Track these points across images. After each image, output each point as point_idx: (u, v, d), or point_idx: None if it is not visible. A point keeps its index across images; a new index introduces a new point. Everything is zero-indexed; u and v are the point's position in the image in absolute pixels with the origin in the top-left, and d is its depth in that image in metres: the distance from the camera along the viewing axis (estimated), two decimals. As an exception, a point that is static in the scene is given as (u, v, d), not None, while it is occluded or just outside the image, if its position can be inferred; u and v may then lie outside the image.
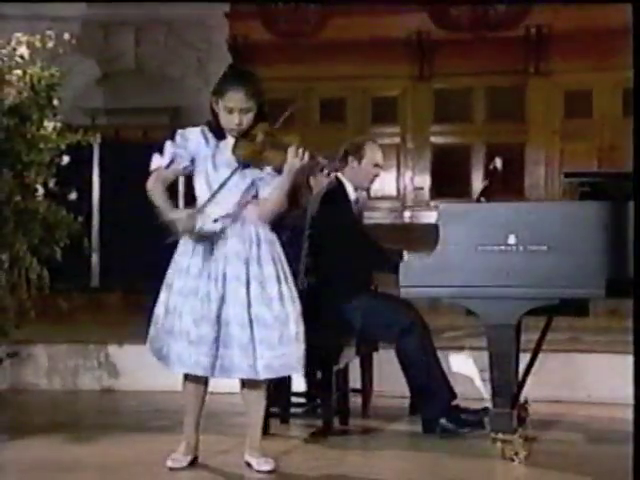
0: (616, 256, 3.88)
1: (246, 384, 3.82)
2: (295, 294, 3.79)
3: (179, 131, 3.83)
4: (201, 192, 3.80)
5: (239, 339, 3.66)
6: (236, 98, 3.70)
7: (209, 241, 3.74)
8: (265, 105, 3.79)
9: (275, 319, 3.69)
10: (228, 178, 3.72)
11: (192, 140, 3.79)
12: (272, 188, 3.76)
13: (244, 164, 3.75)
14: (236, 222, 3.76)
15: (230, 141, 3.77)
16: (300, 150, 3.69)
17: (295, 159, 3.69)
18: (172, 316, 3.72)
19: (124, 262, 9.35)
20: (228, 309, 3.68)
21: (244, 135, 3.75)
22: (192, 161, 3.79)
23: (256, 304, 3.69)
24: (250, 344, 3.66)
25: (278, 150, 3.72)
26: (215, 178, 3.75)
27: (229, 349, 3.67)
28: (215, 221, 3.74)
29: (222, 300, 3.69)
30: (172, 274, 3.79)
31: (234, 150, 3.75)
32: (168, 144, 3.79)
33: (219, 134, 3.78)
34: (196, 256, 3.74)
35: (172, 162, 3.78)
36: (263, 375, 3.70)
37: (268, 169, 3.77)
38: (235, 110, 3.71)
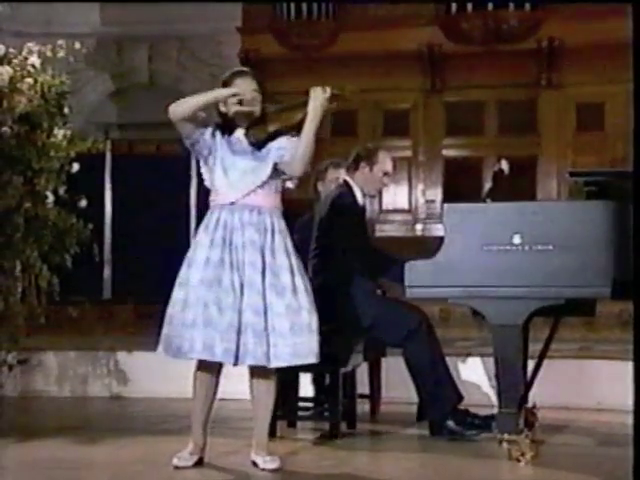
0: (622, 256, 3.87)
1: (255, 375, 3.83)
2: (308, 286, 3.82)
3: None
4: (215, 178, 3.83)
5: (253, 326, 3.68)
6: (246, 83, 3.83)
7: (227, 231, 3.77)
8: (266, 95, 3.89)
9: (287, 308, 3.73)
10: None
11: (210, 128, 3.86)
12: (301, 137, 3.79)
13: (258, 145, 3.81)
14: (253, 212, 3.79)
15: (241, 131, 3.86)
16: (320, 88, 3.78)
17: (319, 94, 3.76)
18: (194, 308, 3.72)
19: (136, 274, 9.38)
20: (244, 297, 3.71)
21: (254, 123, 3.84)
22: (208, 148, 3.84)
23: (269, 293, 3.73)
24: (264, 332, 3.69)
25: (293, 110, 3.83)
26: (232, 163, 3.81)
27: (244, 336, 3.68)
28: (232, 203, 3.79)
29: (242, 288, 3.72)
30: (187, 270, 3.80)
31: (248, 135, 3.84)
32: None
33: (230, 129, 3.86)
34: (215, 247, 3.76)
35: (206, 124, 3.85)
36: (274, 363, 3.72)
37: (282, 140, 3.83)
38: (246, 95, 3.81)
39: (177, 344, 3.74)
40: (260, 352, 3.68)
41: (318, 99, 3.77)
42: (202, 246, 3.79)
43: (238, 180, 3.80)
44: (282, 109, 3.88)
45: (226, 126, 3.86)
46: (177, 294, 3.80)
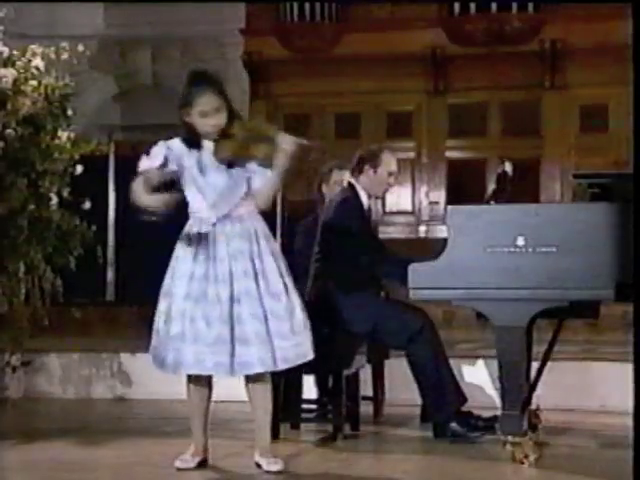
0: (626, 258, 3.86)
1: (251, 380, 3.83)
2: (294, 286, 3.84)
3: (161, 142, 3.80)
4: (194, 199, 3.82)
5: (258, 333, 3.70)
6: (206, 100, 3.70)
7: (210, 244, 3.78)
8: (231, 102, 3.80)
9: (285, 310, 3.75)
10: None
11: (176, 148, 3.77)
12: (266, 178, 3.78)
13: (229, 164, 3.77)
14: (235, 222, 3.79)
15: (209, 145, 3.78)
16: (288, 137, 3.74)
17: (289, 143, 3.72)
18: (180, 322, 3.72)
19: (139, 276, 9.37)
20: (241, 307, 3.72)
21: (221, 137, 3.75)
22: (179, 166, 3.78)
23: (266, 297, 3.74)
24: (268, 337, 3.71)
25: (261, 142, 3.74)
26: (204, 183, 3.77)
27: (248, 346, 3.69)
28: (214, 225, 3.78)
29: (232, 299, 3.72)
30: (170, 282, 3.80)
31: (216, 152, 3.76)
32: (158, 147, 3.76)
33: (196, 144, 3.77)
34: (199, 261, 3.77)
35: (164, 164, 3.75)
36: (281, 366, 3.75)
37: (254, 163, 3.79)
38: (209, 112, 3.71)
39: (162, 356, 3.76)
40: (267, 358, 3.70)
41: (288, 149, 3.72)
42: (185, 259, 3.79)
43: (217, 201, 3.78)
44: (248, 129, 3.77)
45: (193, 140, 3.76)
46: (161, 305, 3.80)
